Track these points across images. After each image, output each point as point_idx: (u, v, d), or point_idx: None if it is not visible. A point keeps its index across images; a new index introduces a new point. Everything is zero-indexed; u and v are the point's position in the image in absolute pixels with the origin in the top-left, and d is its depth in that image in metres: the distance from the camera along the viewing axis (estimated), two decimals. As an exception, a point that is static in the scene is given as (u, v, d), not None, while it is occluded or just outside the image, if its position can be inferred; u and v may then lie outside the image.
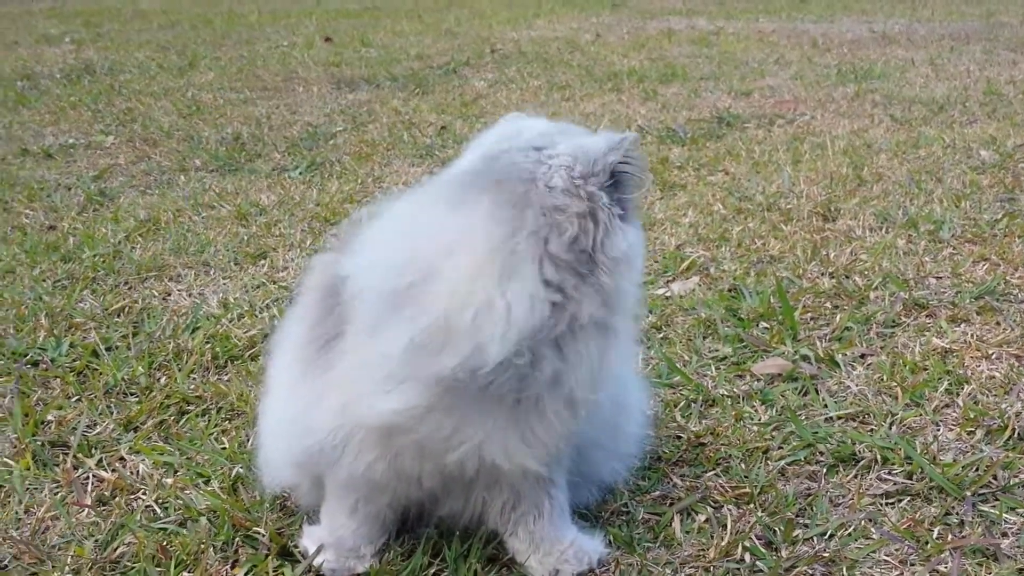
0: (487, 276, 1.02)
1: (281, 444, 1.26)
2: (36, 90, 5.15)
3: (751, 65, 5.58)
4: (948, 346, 1.87)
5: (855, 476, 1.47)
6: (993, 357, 1.83)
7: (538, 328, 1.03)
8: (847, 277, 2.23)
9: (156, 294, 2.25)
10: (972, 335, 1.92)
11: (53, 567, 1.29)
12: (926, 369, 1.78)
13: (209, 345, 1.94)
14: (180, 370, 1.84)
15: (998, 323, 1.97)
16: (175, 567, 1.28)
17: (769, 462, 1.51)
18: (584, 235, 1.05)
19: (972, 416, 1.60)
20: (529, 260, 1.03)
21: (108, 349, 1.95)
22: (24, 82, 5.38)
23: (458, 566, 1.26)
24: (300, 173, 3.35)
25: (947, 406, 1.66)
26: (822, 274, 2.26)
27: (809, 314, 2.05)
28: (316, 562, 1.26)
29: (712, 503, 1.42)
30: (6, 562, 1.31)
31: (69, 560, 1.30)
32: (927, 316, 2.03)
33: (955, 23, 7.64)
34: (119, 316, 2.12)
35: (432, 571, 1.27)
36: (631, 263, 1.09)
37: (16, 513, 1.41)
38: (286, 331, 1.27)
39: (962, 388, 1.70)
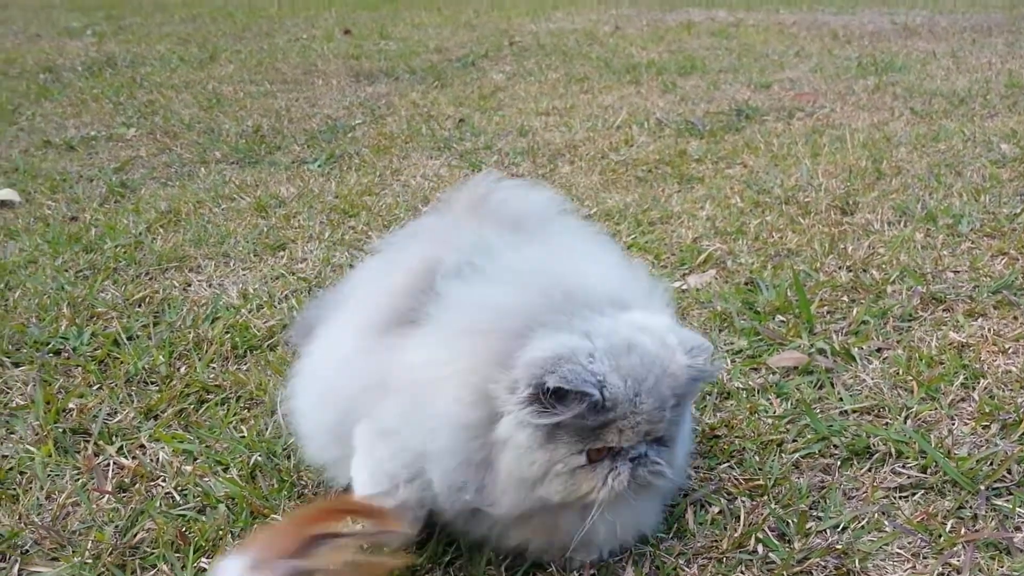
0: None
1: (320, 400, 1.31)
2: (58, 83, 5.20)
3: (771, 57, 5.55)
4: (965, 340, 1.87)
5: (869, 469, 1.47)
6: (1010, 351, 1.82)
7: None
8: (864, 271, 2.23)
9: (176, 284, 2.27)
10: (989, 329, 1.91)
11: (73, 552, 1.31)
12: (942, 363, 1.78)
13: (228, 335, 1.96)
14: (200, 359, 1.87)
15: (1015, 317, 1.97)
16: (194, 553, 1.30)
17: (783, 455, 1.52)
18: None
19: (987, 410, 1.60)
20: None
21: (129, 338, 1.97)
22: (46, 75, 5.43)
23: (472, 554, 1.27)
24: (319, 165, 3.37)
25: (963, 400, 1.66)
26: (839, 268, 2.26)
27: (826, 307, 2.05)
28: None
29: (726, 495, 1.42)
30: (28, 547, 1.33)
31: (89, 545, 1.32)
32: (944, 310, 2.02)
33: (977, 15, 7.57)
34: (140, 306, 2.15)
35: (447, 559, 1.28)
36: (511, 454, 1.09)
37: (37, 499, 1.44)
38: (366, 280, 1.40)
39: (978, 382, 1.70)
